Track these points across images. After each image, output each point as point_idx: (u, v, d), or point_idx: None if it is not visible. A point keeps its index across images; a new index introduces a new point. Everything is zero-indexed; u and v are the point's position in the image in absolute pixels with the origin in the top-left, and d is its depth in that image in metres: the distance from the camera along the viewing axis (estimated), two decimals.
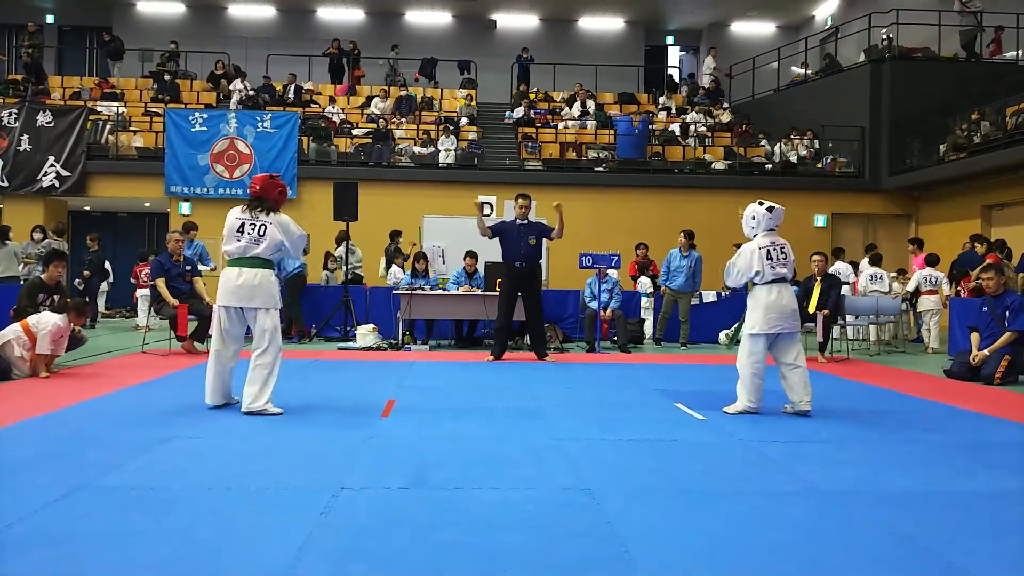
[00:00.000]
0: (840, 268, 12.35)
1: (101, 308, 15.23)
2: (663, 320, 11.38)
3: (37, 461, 4.11)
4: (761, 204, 5.93)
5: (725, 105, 20.43)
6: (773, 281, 5.74)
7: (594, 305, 10.63)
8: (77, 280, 12.95)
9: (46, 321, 7.12)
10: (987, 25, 16.95)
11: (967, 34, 17.02)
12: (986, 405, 6.45)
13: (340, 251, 13.05)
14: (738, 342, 11.52)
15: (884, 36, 17.18)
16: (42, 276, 8.07)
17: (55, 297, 7.94)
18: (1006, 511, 3.57)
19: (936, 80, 16.43)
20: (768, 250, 5.75)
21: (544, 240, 9.14)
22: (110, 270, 15.61)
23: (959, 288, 11.39)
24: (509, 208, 12.58)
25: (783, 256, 5.79)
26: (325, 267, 13.28)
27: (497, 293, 9.56)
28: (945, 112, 15.52)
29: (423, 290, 10.55)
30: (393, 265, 11.93)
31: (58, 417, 5.34)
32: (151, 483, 3.75)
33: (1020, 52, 16.89)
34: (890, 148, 16.69)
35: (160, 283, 9.14)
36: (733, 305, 12.05)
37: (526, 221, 9.03)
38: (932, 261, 11.74)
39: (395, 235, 12.75)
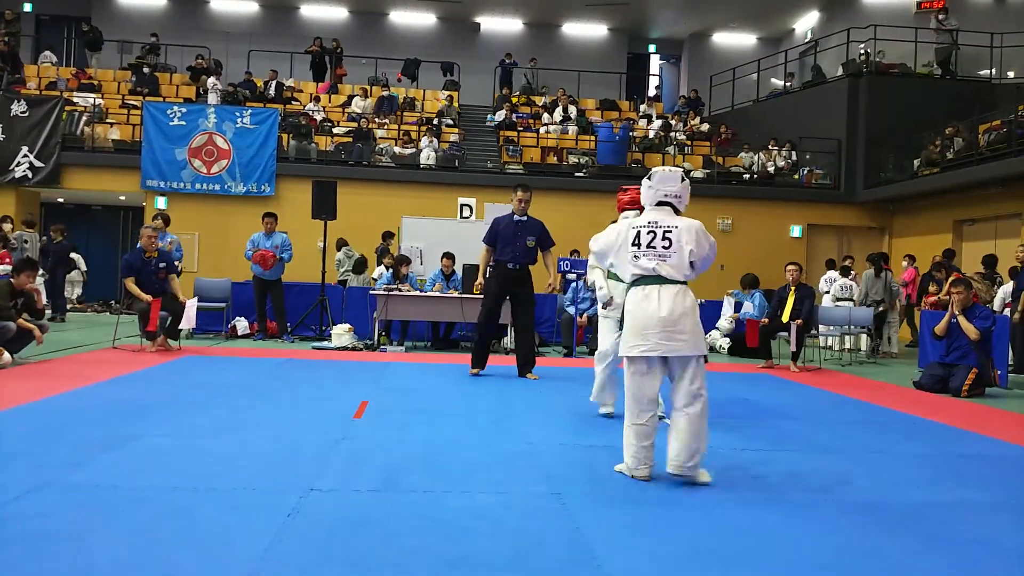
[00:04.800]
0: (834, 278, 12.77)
1: (72, 299, 15.13)
2: None
3: None
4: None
5: (703, 116, 20.62)
6: (642, 279, 4.15)
7: (572, 310, 10.65)
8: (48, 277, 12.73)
9: None
10: (962, 43, 17.23)
11: (943, 51, 17.29)
12: (953, 417, 6.53)
13: (339, 255, 13.03)
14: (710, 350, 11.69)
15: (862, 51, 17.42)
16: (12, 281, 7.94)
17: (19, 301, 7.86)
18: (969, 522, 3.62)
19: (912, 95, 16.69)
20: (640, 232, 4.15)
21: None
22: (80, 261, 15.53)
23: (923, 301, 11.66)
24: (489, 210, 12.60)
25: (666, 243, 4.09)
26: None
27: (476, 296, 8.70)
28: (920, 127, 15.75)
29: (400, 290, 10.52)
30: (381, 265, 11.89)
31: (23, 412, 5.26)
32: (116, 482, 3.71)
33: (993, 70, 17.17)
34: (866, 161, 16.91)
35: (129, 282, 8.97)
36: (710, 312, 12.14)
37: (525, 217, 7.83)
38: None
39: (387, 236, 12.73)
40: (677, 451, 4.00)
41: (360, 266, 12.76)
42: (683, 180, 4.21)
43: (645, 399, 4.10)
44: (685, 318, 4.00)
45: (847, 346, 12.08)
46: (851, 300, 12.24)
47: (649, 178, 4.25)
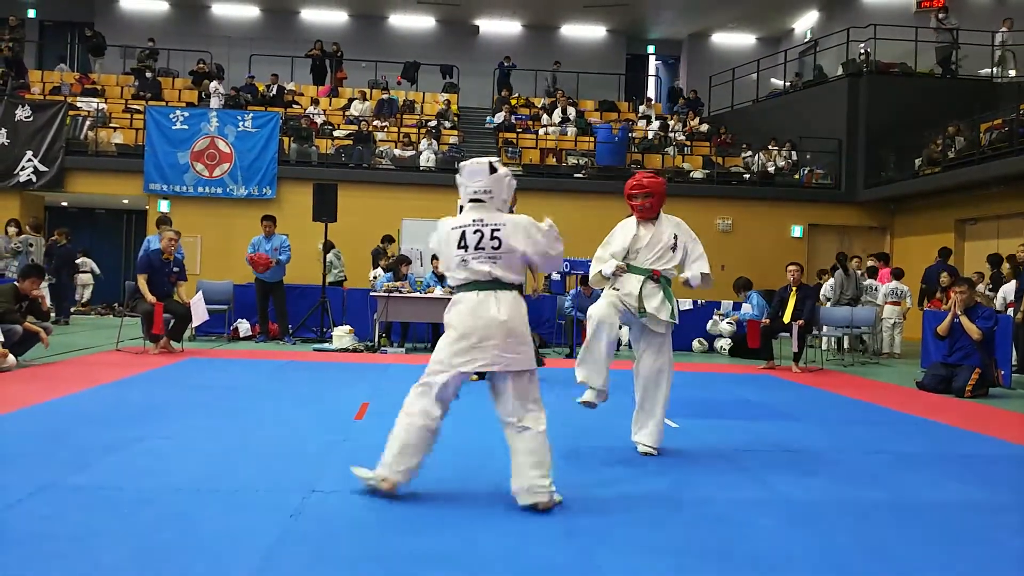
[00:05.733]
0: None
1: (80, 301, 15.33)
2: None
3: (3, 460, 4.07)
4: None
5: (702, 116, 20.62)
6: (474, 283, 3.67)
7: (573, 313, 10.66)
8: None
9: None
10: (963, 42, 17.20)
11: (943, 50, 17.27)
12: (956, 417, 6.52)
13: (330, 257, 13.05)
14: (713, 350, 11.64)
15: (862, 50, 17.40)
16: (17, 285, 7.98)
17: (23, 304, 7.91)
18: (973, 522, 3.62)
19: (912, 95, 16.66)
20: (465, 231, 3.69)
21: None
22: (93, 264, 16.11)
23: (927, 301, 11.65)
24: None
25: (495, 243, 3.64)
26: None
27: None
28: (921, 127, 15.71)
29: (400, 290, 10.53)
30: (378, 268, 11.90)
31: (27, 414, 5.28)
32: (119, 483, 3.72)
33: (995, 69, 17.15)
34: (866, 161, 16.89)
35: (141, 279, 9.05)
36: (709, 313, 12.13)
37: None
38: (897, 275, 12.38)
39: (387, 240, 12.73)
40: (531, 475, 3.50)
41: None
42: (493, 171, 3.70)
43: (441, 400, 3.68)
44: (523, 327, 3.62)
45: (846, 346, 12.05)
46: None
47: (460, 172, 3.78)
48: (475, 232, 3.63)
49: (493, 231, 3.62)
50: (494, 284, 3.61)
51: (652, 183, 4.98)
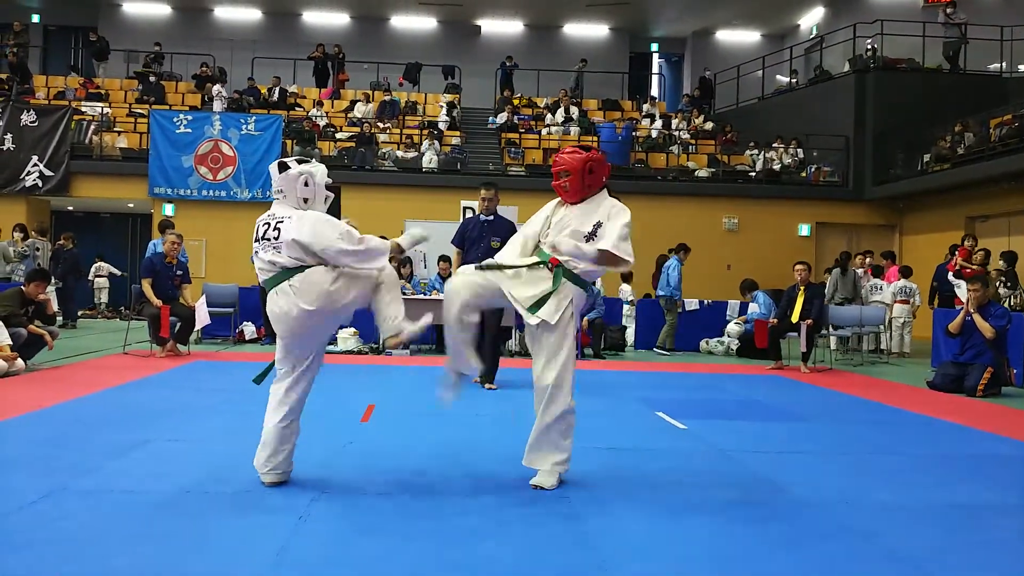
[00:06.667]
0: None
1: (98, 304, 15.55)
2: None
3: (12, 463, 4.06)
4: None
5: (708, 114, 20.56)
6: (271, 279, 3.72)
7: None
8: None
9: None
10: (971, 37, 17.10)
11: (951, 46, 17.17)
12: (968, 417, 6.45)
13: None
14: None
15: (869, 46, 17.31)
16: (23, 289, 7.99)
17: (29, 308, 7.90)
18: (984, 523, 3.57)
19: (920, 91, 16.55)
20: (259, 226, 3.77)
21: None
22: (111, 268, 16.45)
23: (937, 300, 11.56)
24: None
25: (276, 233, 3.67)
26: None
27: None
28: (929, 123, 15.61)
29: (405, 294, 10.51)
30: None
31: (35, 418, 5.27)
32: (128, 486, 3.71)
33: (1004, 64, 17.06)
34: (874, 158, 16.78)
35: (146, 283, 9.07)
36: (716, 313, 12.08)
37: (491, 217, 7.45)
38: (906, 273, 12.26)
39: None
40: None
41: None
42: (283, 171, 3.76)
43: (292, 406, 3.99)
44: (320, 300, 3.65)
45: (849, 346, 11.96)
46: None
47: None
48: (264, 224, 3.75)
49: (277, 223, 3.70)
50: (284, 273, 3.68)
51: (568, 159, 4.02)
